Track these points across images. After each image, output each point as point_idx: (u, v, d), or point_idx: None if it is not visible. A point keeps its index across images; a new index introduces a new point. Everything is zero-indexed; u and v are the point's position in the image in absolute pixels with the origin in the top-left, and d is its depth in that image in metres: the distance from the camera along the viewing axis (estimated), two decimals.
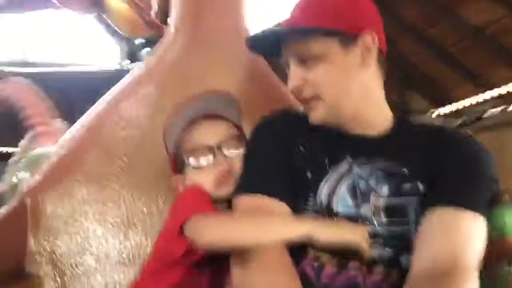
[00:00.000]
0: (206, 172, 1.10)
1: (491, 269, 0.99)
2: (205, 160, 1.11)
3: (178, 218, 0.98)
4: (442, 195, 0.98)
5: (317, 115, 1.05)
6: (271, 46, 1.08)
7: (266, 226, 0.94)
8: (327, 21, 1.01)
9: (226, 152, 1.11)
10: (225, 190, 1.08)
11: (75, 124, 1.46)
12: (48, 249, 1.24)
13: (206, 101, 1.16)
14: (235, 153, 1.11)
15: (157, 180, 1.28)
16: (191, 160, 1.12)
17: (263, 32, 1.07)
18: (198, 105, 1.16)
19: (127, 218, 1.28)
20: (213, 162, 1.10)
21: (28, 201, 1.29)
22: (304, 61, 1.02)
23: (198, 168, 1.11)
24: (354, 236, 0.90)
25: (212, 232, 0.93)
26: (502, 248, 1.00)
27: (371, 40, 1.03)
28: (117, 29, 1.91)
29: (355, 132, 1.07)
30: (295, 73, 1.03)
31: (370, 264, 0.99)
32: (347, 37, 1.02)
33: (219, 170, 1.09)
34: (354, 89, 1.04)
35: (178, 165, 1.15)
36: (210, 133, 1.12)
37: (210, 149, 1.10)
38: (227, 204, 1.08)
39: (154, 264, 1.08)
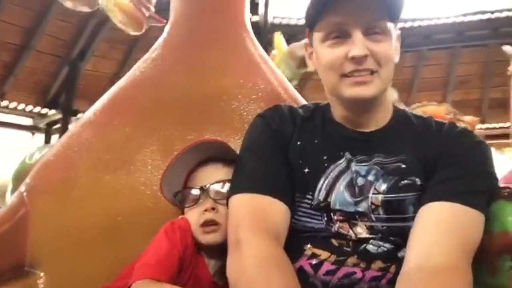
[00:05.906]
0: (192, 211, 1.11)
1: (491, 264, 0.98)
2: (192, 199, 1.11)
3: (138, 270, 0.98)
4: (438, 191, 0.97)
5: (371, 89, 1.00)
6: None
7: None
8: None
9: (212, 194, 1.09)
10: (209, 238, 1.07)
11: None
12: (47, 239, 1.25)
13: (207, 147, 1.14)
14: (223, 199, 1.08)
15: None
16: (183, 199, 1.13)
17: None
18: (199, 151, 1.14)
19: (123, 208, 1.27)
20: (200, 202, 1.10)
21: (26, 194, 1.30)
22: (370, 33, 1.00)
23: (187, 206, 1.12)
24: None
25: None
26: (504, 243, 0.99)
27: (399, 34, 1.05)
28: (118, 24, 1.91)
29: (353, 128, 1.06)
30: (363, 42, 0.99)
31: (369, 259, 0.99)
32: (395, 24, 1.03)
33: (203, 211, 1.08)
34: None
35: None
36: (205, 175, 1.12)
37: (199, 189, 1.10)
38: (219, 252, 1.07)
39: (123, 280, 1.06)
